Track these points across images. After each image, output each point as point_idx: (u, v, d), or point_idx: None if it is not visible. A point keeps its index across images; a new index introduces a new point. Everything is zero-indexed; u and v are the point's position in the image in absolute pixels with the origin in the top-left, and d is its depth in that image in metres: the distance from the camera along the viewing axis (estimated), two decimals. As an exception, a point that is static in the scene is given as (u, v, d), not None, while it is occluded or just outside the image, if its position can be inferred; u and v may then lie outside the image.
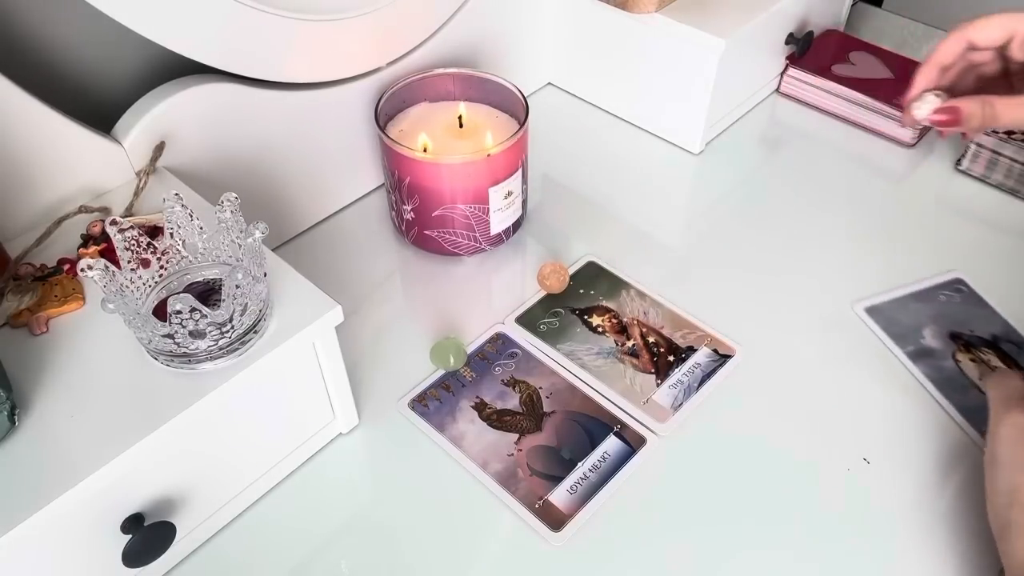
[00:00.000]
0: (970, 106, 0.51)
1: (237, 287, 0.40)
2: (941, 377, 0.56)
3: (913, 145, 0.76)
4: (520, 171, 0.62)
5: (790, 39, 0.79)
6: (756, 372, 0.56)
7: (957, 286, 0.62)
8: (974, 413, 0.53)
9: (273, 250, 0.49)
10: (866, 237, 0.67)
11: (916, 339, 0.58)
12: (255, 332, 0.43)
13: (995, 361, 0.57)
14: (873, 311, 0.61)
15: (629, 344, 0.58)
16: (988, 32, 0.52)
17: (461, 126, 0.64)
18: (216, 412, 0.42)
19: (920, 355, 0.57)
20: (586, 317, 0.60)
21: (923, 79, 0.54)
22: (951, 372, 0.56)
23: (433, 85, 0.65)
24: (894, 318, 0.60)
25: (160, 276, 0.44)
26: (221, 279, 0.45)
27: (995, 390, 0.48)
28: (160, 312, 0.43)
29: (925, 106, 0.52)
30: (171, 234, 0.44)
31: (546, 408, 0.54)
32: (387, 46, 0.64)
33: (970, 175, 0.73)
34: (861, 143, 0.77)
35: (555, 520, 0.48)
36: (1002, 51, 0.54)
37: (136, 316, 0.39)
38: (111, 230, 0.41)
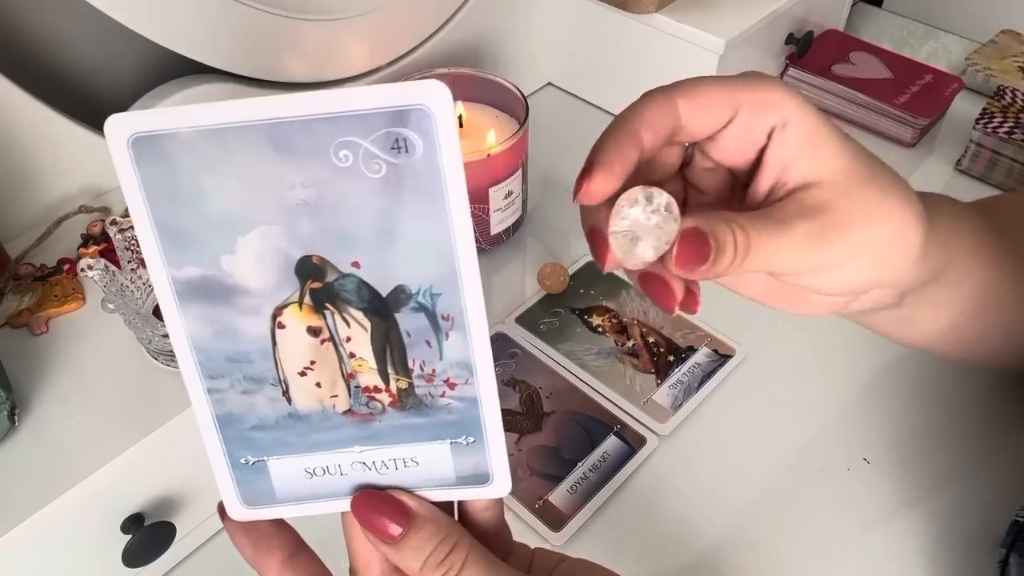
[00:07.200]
0: (719, 230, 0.28)
1: (237, 287, 0.40)
2: (941, 377, 0.56)
3: (913, 145, 0.76)
4: (520, 171, 0.62)
5: (790, 39, 0.79)
6: (756, 372, 0.56)
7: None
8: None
9: (273, 250, 0.49)
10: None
11: (916, 339, 0.59)
12: (255, 332, 0.43)
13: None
14: (873, 311, 0.61)
15: (629, 344, 0.58)
16: (710, 113, 0.30)
17: (461, 126, 0.64)
18: (216, 412, 0.42)
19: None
20: (586, 317, 0.60)
21: (619, 159, 0.29)
22: (951, 372, 0.56)
23: (433, 85, 0.65)
24: (894, 318, 0.60)
25: (160, 276, 0.44)
26: (221, 279, 0.45)
27: None
28: (160, 312, 0.43)
29: (644, 241, 0.28)
30: (171, 234, 0.44)
31: (546, 408, 0.54)
32: (387, 46, 0.64)
33: (970, 175, 0.73)
34: (861, 143, 0.77)
35: (555, 520, 0.48)
36: (699, 147, 0.32)
37: (136, 316, 0.39)
38: (111, 230, 0.41)
